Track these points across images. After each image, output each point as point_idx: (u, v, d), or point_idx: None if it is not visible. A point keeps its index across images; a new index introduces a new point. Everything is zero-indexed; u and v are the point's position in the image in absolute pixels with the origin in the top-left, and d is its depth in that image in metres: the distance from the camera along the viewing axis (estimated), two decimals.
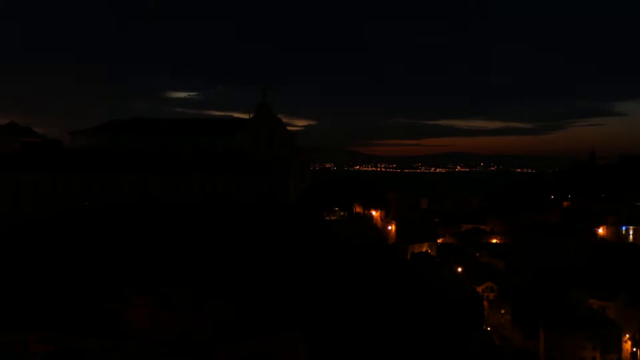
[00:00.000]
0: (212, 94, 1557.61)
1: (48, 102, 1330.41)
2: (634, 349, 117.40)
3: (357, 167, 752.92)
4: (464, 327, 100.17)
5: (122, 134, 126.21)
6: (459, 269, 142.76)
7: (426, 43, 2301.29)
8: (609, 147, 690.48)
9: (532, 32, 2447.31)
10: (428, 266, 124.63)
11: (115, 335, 58.81)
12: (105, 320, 62.37)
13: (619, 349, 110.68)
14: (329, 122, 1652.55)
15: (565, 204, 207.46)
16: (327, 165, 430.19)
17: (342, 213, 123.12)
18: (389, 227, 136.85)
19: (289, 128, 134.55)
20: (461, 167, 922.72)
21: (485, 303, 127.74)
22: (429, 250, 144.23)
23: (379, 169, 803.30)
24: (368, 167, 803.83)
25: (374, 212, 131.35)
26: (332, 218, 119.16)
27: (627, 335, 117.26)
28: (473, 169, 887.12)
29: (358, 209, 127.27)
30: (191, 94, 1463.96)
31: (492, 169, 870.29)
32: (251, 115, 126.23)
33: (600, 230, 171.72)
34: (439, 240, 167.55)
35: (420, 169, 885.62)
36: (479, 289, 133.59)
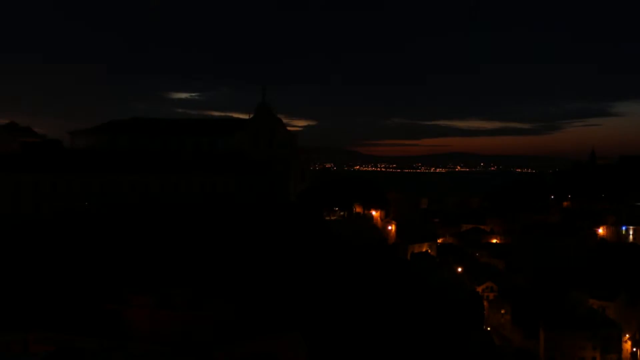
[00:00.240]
0: (214, 94, 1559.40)
1: (48, 102, 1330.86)
2: (634, 349, 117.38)
3: (357, 167, 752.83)
4: (464, 327, 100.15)
5: (122, 134, 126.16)
6: (459, 269, 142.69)
7: (426, 43, 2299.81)
8: (607, 148, 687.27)
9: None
10: (428, 266, 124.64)
11: (115, 335, 58.76)
12: (105, 320, 62.32)
13: (619, 349, 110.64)
14: (329, 122, 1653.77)
15: (565, 204, 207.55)
16: (327, 165, 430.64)
17: (342, 213, 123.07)
18: (389, 227, 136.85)
19: (289, 128, 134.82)
20: (461, 167, 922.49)
21: (485, 303, 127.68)
22: (429, 250, 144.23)
23: (379, 169, 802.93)
24: (368, 167, 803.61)
25: (374, 212, 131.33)
26: (332, 218, 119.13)
27: (627, 335, 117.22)
28: (473, 169, 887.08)
29: (358, 209, 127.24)
30: (192, 94, 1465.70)
31: (492, 169, 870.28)
32: (251, 115, 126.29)
33: (600, 230, 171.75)
34: (439, 240, 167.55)
35: (420, 169, 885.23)
36: (479, 289, 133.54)
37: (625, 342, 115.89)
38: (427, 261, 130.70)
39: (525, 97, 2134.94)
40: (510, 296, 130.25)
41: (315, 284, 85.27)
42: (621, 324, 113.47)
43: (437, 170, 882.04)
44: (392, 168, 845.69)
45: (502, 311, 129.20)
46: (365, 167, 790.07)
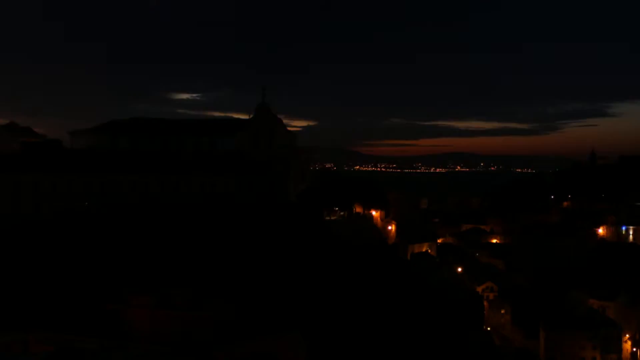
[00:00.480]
0: (216, 95, 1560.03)
1: (48, 102, 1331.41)
2: (634, 349, 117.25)
3: (357, 167, 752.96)
4: (464, 327, 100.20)
5: (122, 134, 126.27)
6: (459, 269, 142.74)
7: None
8: (606, 148, 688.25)
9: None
10: (428, 266, 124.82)
11: (115, 335, 58.82)
12: (105, 320, 62.38)
13: (619, 349, 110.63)
14: (329, 122, 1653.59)
15: (565, 204, 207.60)
16: (327, 165, 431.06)
17: (342, 213, 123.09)
18: (389, 227, 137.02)
19: (289, 128, 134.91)
20: (461, 167, 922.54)
21: (485, 303, 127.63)
22: (429, 250, 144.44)
23: (379, 169, 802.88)
24: (368, 167, 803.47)
25: (374, 212, 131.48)
26: (332, 218, 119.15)
27: (627, 335, 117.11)
28: (473, 169, 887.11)
29: (358, 209, 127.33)
30: (193, 95, 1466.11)
31: (492, 169, 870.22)
32: (251, 116, 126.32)
33: (600, 230, 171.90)
34: (439, 240, 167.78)
35: (420, 169, 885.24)
36: (479, 289, 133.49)
37: (625, 342, 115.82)
38: (427, 261, 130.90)
39: (525, 97, 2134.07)
40: (510, 296, 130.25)
41: (315, 284, 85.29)
42: (621, 324, 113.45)
43: (437, 170, 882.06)
44: (392, 168, 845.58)
45: (502, 311, 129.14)
46: (365, 167, 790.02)
